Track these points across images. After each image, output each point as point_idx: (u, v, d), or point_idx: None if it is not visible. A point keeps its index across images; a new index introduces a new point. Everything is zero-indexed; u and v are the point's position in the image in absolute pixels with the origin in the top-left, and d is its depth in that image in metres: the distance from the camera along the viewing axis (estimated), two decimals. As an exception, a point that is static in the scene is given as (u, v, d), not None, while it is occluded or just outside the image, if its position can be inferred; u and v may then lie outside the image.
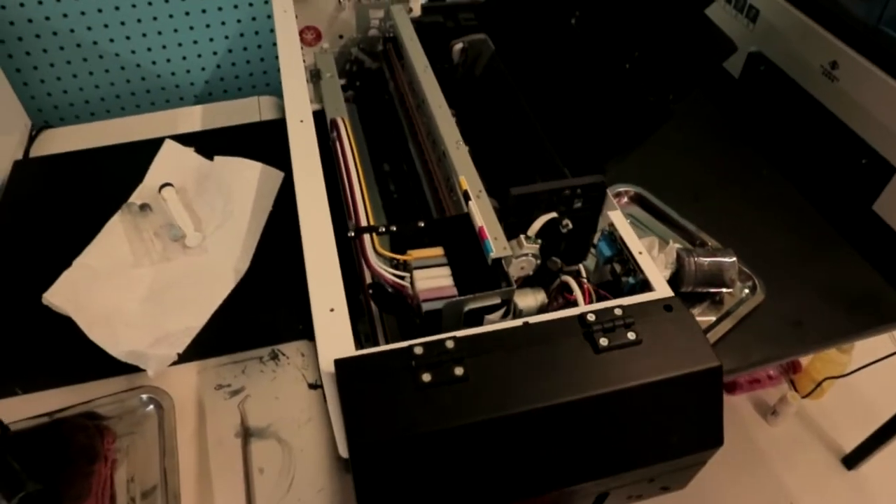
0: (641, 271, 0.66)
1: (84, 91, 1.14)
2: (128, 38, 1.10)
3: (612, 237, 0.71)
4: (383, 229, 0.68)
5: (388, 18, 1.03)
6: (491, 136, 0.83)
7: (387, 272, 0.63)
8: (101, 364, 0.73)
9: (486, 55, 0.92)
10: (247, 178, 0.84)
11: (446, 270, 0.66)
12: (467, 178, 0.71)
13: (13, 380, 0.75)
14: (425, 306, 0.62)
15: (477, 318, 0.63)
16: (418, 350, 0.54)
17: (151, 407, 0.72)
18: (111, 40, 1.10)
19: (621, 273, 0.70)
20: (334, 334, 0.57)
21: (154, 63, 1.15)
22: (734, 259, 0.86)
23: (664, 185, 1.02)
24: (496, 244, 0.65)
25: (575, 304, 0.67)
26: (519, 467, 0.54)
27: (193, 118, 1.11)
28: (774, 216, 1.02)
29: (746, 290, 0.90)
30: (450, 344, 0.55)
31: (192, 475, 0.69)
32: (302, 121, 0.79)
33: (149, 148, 0.95)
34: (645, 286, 0.67)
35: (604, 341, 0.57)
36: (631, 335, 0.58)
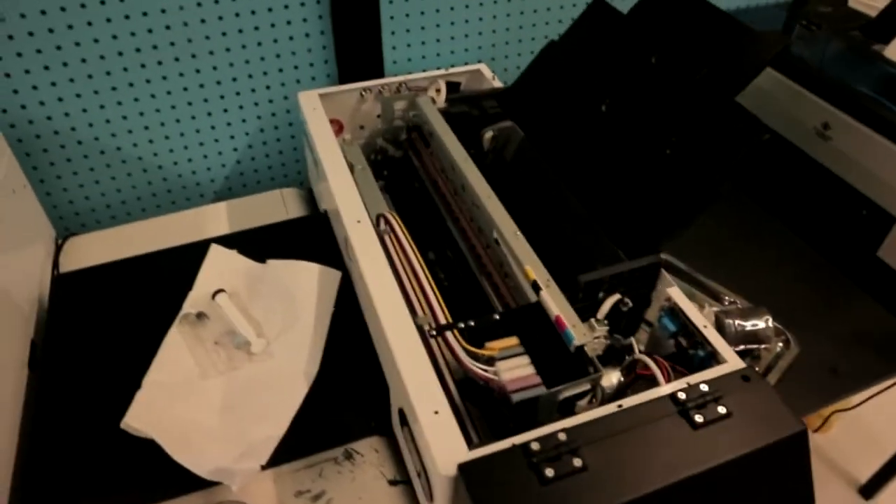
0: (710, 344, 0.70)
1: (106, 196, 1.15)
2: (150, 141, 1.12)
3: (674, 312, 0.75)
4: (462, 325, 0.70)
5: (412, 109, 1.08)
6: (531, 219, 0.87)
7: (478, 368, 0.65)
8: (173, 481, 0.71)
9: (515, 141, 0.96)
10: (305, 280, 0.85)
11: (526, 359, 0.68)
12: (533, 267, 0.75)
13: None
14: (515, 397, 0.64)
15: (569, 405, 0.66)
16: (535, 446, 0.56)
17: (237, 521, 0.72)
18: (135, 145, 1.11)
19: (688, 346, 0.73)
20: (446, 438, 0.59)
21: (176, 163, 1.16)
22: (769, 316, 0.91)
23: (682, 246, 1.07)
24: (576, 331, 0.68)
25: (648, 378, 0.71)
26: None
27: (219, 217, 1.12)
28: (789, 270, 1.09)
29: (780, 345, 0.95)
30: (562, 436, 0.57)
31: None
32: (359, 221, 0.82)
33: (189, 253, 0.94)
34: (712, 358, 0.70)
35: (699, 418, 0.60)
36: (721, 409, 0.61)
